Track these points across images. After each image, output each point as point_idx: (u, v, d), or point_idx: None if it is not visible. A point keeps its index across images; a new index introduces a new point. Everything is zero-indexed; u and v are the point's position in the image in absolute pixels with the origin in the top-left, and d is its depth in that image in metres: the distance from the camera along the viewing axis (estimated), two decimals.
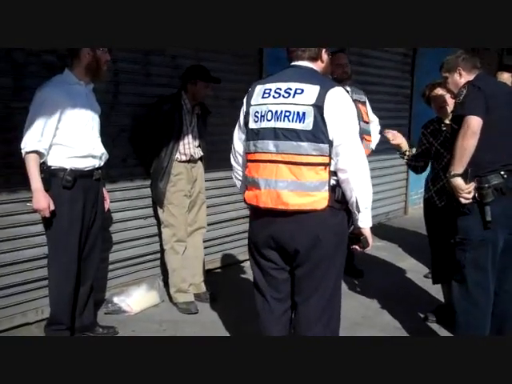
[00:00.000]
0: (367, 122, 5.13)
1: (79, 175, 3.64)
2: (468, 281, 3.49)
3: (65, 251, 3.68)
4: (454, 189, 3.43)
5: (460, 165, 3.36)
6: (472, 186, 3.38)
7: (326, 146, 2.70)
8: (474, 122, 3.29)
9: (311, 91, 2.71)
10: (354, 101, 5.08)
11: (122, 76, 4.66)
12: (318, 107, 2.68)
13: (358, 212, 2.79)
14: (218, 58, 5.39)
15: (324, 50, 2.92)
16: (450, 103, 4.12)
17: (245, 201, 3.01)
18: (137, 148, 4.80)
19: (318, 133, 2.69)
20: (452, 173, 3.40)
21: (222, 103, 5.43)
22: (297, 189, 2.74)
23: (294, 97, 2.74)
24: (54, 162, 3.58)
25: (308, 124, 2.69)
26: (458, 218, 3.51)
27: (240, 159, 3.07)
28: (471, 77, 3.59)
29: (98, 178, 3.80)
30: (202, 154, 4.74)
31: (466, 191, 3.38)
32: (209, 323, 4.34)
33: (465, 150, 3.33)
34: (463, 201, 3.43)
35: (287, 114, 2.74)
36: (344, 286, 4.48)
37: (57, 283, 3.73)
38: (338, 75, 4.89)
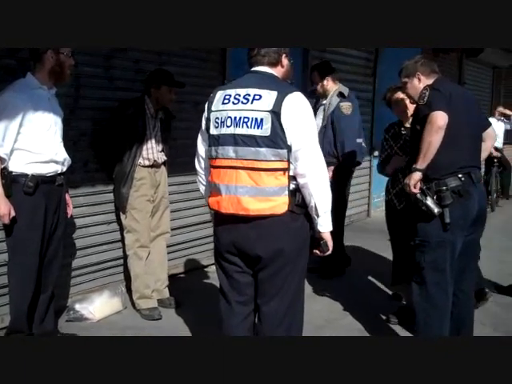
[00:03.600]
0: None
1: (41, 181, 3.59)
2: (427, 282, 3.56)
3: (25, 258, 3.63)
4: (409, 179, 3.49)
5: (424, 160, 3.42)
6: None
7: (284, 151, 2.73)
8: (440, 117, 3.34)
9: (269, 97, 2.74)
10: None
11: (84, 80, 4.61)
12: (276, 113, 2.70)
13: (318, 216, 2.81)
14: (181, 62, 5.40)
15: (284, 55, 2.95)
16: (410, 107, 4.20)
17: (208, 206, 3.03)
18: (99, 153, 4.76)
19: (276, 138, 2.71)
20: (414, 166, 3.47)
21: (186, 107, 5.42)
22: (257, 194, 2.76)
23: (252, 103, 2.76)
24: (15, 167, 3.53)
25: (266, 130, 2.72)
26: (417, 220, 3.57)
27: (203, 164, 3.09)
28: (430, 81, 3.66)
29: (61, 183, 3.76)
30: (165, 158, 4.73)
31: (413, 186, 3.48)
32: (172, 329, 4.31)
33: (430, 145, 3.37)
34: (408, 192, 3.53)
35: (246, 120, 2.76)
36: (308, 289, 4.50)
37: (17, 291, 3.67)
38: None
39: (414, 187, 3.49)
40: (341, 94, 5.46)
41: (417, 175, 3.47)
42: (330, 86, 5.50)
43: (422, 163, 3.43)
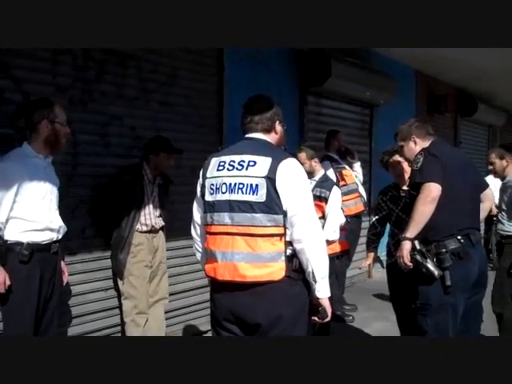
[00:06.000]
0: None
1: (36, 249, 3.56)
2: None
3: (20, 327, 3.56)
4: (401, 251, 3.49)
5: (415, 229, 3.43)
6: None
7: (280, 216, 2.72)
8: (433, 189, 3.37)
9: (263, 163, 2.75)
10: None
11: (81, 147, 4.65)
12: (271, 179, 2.72)
13: (315, 282, 2.78)
14: (178, 128, 5.46)
15: (277, 122, 2.99)
16: (408, 170, 4.21)
17: (205, 273, 3.00)
18: (97, 218, 4.75)
19: (272, 204, 2.72)
20: (404, 235, 3.47)
21: (184, 172, 5.45)
22: (253, 260, 2.74)
23: (247, 169, 2.78)
24: (10, 236, 3.51)
25: (261, 196, 2.72)
26: (418, 283, 3.54)
27: (199, 230, 3.08)
28: (426, 143, 3.69)
29: (56, 251, 3.73)
30: (163, 223, 4.72)
31: (407, 258, 3.47)
32: None
33: (422, 216, 3.39)
34: (403, 266, 3.50)
35: (241, 186, 2.77)
36: None
37: None
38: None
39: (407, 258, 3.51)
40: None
41: (407, 244, 3.48)
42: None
43: (413, 232, 3.45)
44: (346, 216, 6.14)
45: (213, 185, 2.87)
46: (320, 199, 4.97)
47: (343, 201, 6.14)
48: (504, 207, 5.01)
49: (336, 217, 5.03)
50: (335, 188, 5.12)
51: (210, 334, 5.36)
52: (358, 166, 6.75)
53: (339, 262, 5.58)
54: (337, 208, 5.07)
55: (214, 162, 2.92)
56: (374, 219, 4.62)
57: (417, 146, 3.74)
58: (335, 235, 4.99)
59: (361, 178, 6.76)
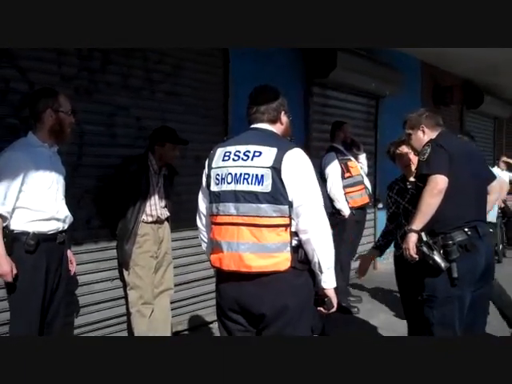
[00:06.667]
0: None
1: (42, 239, 3.57)
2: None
3: (27, 316, 3.57)
4: (406, 243, 3.47)
5: (421, 221, 3.41)
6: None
7: (285, 207, 2.72)
8: (440, 181, 3.35)
9: (269, 153, 2.75)
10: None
11: (87, 137, 4.65)
12: (276, 169, 2.71)
13: (321, 273, 2.78)
14: (183, 119, 5.45)
15: (283, 113, 2.98)
16: (414, 161, 4.18)
17: (210, 263, 3.00)
18: (102, 209, 4.76)
19: (277, 194, 2.71)
20: (409, 227, 3.45)
21: (188, 162, 5.44)
22: (258, 251, 2.74)
23: (252, 159, 2.77)
24: (16, 225, 3.52)
25: (267, 186, 2.72)
26: (425, 275, 3.53)
27: (205, 221, 3.08)
28: (434, 134, 3.66)
29: (62, 241, 3.73)
30: (168, 214, 4.72)
31: (413, 250, 3.46)
32: None
33: (428, 208, 3.38)
34: (409, 258, 3.49)
35: (246, 176, 2.77)
36: None
37: None
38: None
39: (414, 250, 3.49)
40: None
41: (413, 237, 3.46)
42: None
43: (419, 224, 3.43)
44: (352, 208, 6.16)
45: (218, 175, 2.87)
46: None
47: (348, 192, 6.16)
48: None
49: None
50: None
51: (215, 325, 5.43)
52: (363, 157, 6.73)
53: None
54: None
55: (220, 152, 2.92)
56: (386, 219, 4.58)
57: (425, 135, 3.71)
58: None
59: (366, 169, 6.75)
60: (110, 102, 4.84)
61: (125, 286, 4.78)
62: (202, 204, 3.05)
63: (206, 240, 3.13)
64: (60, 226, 3.70)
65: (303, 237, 2.75)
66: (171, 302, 4.92)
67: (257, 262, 2.74)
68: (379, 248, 4.47)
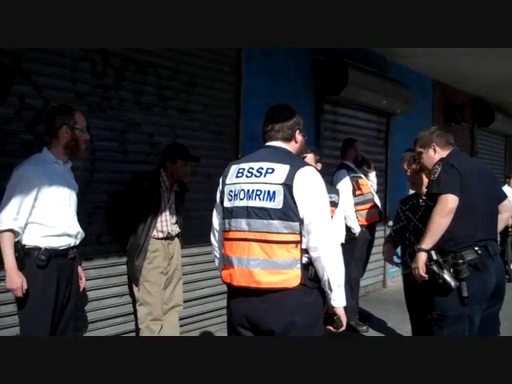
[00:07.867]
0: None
1: (54, 254, 3.58)
2: None
3: (36, 331, 3.58)
4: (416, 263, 3.47)
5: (431, 241, 3.41)
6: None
7: (296, 223, 2.73)
8: (450, 201, 3.35)
9: (281, 170, 2.77)
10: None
11: (99, 154, 4.69)
12: (288, 186, 2.73)
13: (331, 291, 2.78)
14: (195, 135, 5.48)
15: (298, 131, 3.00)
16: (425, 181, 4.16)
17: (222, 279, 3.01)
18: (113, 225, 4.77)
19: (288, 211, 2.72)
20: (419, 246, 3.45)
21: (199, 179, 5.46)
22: (268, 267, 2.74)
23: (265, 176, 2.79)
24: (28, 240, 3.53)
25: (278, 202, 2.73)
26: (434, 294, 3.51)
27: (218, 237, 3.09)
28: (445, 152, 3.66)
29: (73, 256, 3.75)
30: (178, 230, 4.74)
31: (422, 270, 3.44)
32: None
33: (438, 228, 3.37)
34: (418, 277, 3.49)
35: (258, 192, 2.78)
36: None
37: None
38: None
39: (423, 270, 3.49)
40: None
41: (423, 256, 3.46)
42: None
43: (429, 244, 3.42)
44: (361, 225, 6.15)
45: (231, 191, 2.89)
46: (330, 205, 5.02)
47: (359, 210, 6.15)
48: None
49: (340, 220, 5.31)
50: (340, 192, 5.23)
51: None
52: (373, 175, 6.73)
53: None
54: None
55: (234, 169, 2.94)
56: (391, 230, 4.57)
57: (436, 154, 3.70)
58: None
59: (375, 187, 6.75)
60: (123, 118, 4.87)
61: (134, 301, 4.78)
62: (216, 220, 3.07)
63: (218, 256, 3.14)
64: (72, 241, 3.71)
65: (313, 254, 2.75)
66: (180, 319, 4.92)
67: (266, 278, 2.74)
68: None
